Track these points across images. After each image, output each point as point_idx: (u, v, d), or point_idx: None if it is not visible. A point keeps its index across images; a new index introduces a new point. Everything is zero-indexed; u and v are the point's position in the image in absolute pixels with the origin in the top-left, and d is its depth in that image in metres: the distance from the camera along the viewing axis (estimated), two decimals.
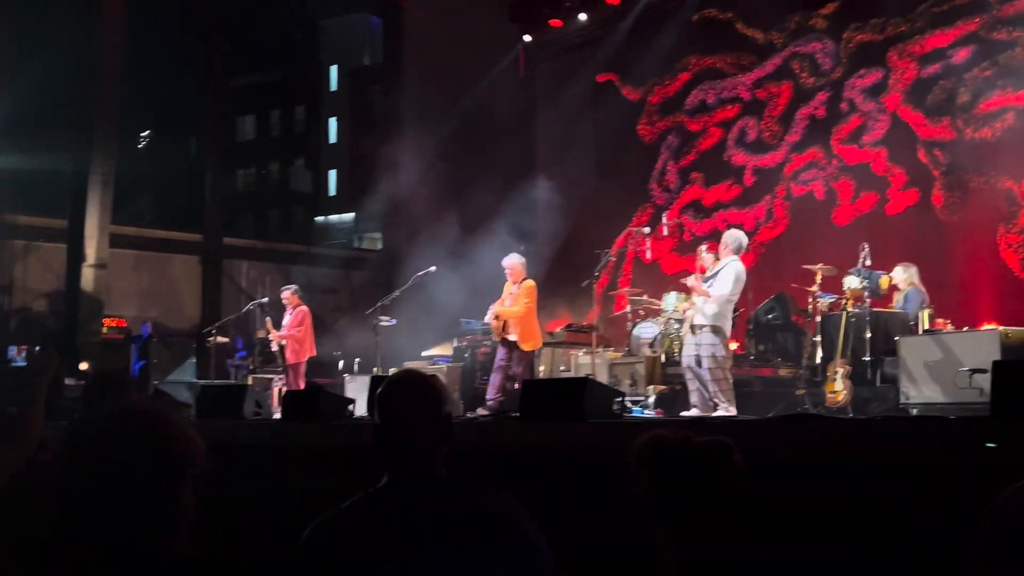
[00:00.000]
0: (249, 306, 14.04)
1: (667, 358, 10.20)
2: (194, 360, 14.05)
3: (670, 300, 10.69)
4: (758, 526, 2.52)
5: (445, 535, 2.20)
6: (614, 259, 10.76)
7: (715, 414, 7.97)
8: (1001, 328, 8.00)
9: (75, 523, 1.77)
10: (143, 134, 38.01)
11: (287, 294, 11.98)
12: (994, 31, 11.00)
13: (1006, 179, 10.79)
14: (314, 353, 11.90)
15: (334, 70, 43.06)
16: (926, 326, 9.02)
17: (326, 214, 41.66)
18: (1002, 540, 1.59)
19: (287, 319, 11.91)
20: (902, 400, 8.13)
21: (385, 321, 10.85)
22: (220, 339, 13.43)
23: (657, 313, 11.12)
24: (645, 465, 2.38)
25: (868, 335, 8.93)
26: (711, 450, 2.39)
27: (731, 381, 8.23)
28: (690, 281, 8.39)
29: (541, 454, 5.50)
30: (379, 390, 2.41)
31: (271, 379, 13.31)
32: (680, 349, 8.86)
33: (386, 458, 2.34)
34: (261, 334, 14.33)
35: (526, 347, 9.56)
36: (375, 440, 2.36)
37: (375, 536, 2.22)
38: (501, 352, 9.66)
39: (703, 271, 8.87)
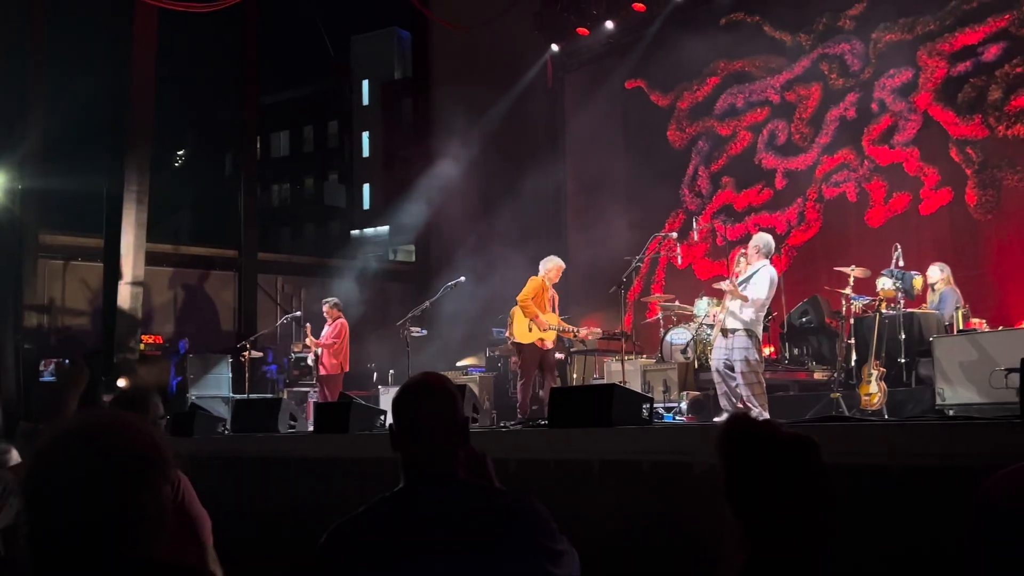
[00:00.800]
0: (283, 320, 14.17)
1: (699, 364, 10.16)
2: (229, 375, 14.18)
3: (702, 306, 10.66)
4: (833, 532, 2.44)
5: (460, 537, 2.22)
6: (646, 265, 10.72)
7: None
8: None
9: (40, 539, 1.81)
10: (179, 152, 38.49)
11: (327, 307, 12.07)
12: None
13: None
14: (348, 368, 11.97)
15: (366, 84, 43.36)
16: (961, 326, 8.91)
17: (361, 228, 41.90)
18: (993, 525, 1.58)
19: (325, 330, 11.99)
20: (938, 401, 8.03)
21: (416, 332, 10.89)
22: (255, 353, 13.56)
23: (689, 319, 11.08)
24: (728, 448, 2.28)
25: (902, 336, 8.85)
26: (796, 442, 2.27)
27: (764, 385, 8.17)
28: (725, 285, 8.33)
29: (570, 461, 5.51)
30: (395, 395, 2.43)
31: (306, 392, 13.42)
32: (711, 354, 8.80)
33: (403, 462, 2.36)
34: (297, 348, 14.45)
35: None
36: (393, 444, 2.39)
37: (391, 539, 2.24)
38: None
39: (736, 275, 8.82)
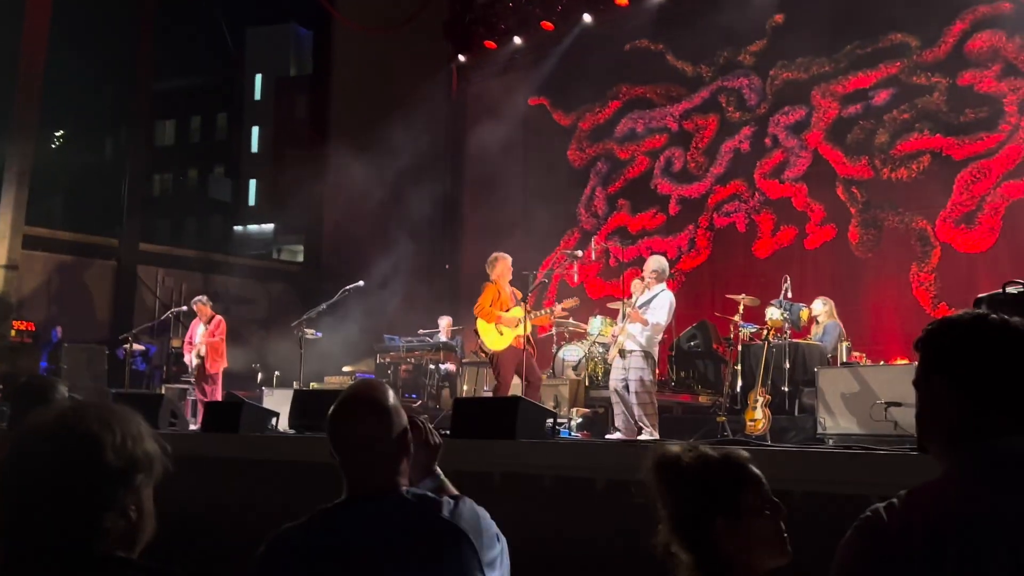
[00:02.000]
0: (168, 314, 13.76)
1: (591, 381, 10.29)
2: (106, 367, 13.68)
3: (595, 324, 10.79)
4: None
5: (399, 552, 2.20)
6: (544, 281, 10.79)
7: (640, 437, 8.06)
8: (916, 363, 8.24)
9: (17, 536, 1.72)
10: (57, 132, 36.98)
11: (199, 304, 11.83)
12: (914, 75, 11.43)
13: (920, 219, 11.19)
14: (226, 364, 11.75)
15: (259, 79, 42.57)
16: (844, 359, 9.27)
17: (245, 224, 41.05)
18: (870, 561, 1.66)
19: (202, 328, 11.72)
20: (819, 430, 8.31)
21: (311, 334, 10.72)
22: (137, 346, 13.11)
23: (582, 336, 11.21)
24: (665, 483, 2.27)
25: (787, 365, 9.15)
26: (730, 461, 2.29)
27: (656, 406, 8.34)
28: (628, 310, 8.46)
29: (472, 472, 5.49)
30: (332, 408, 2.35)
31: (185, 389, 13.03)
32: (604, 373, 8.93)
33: (344, 476, 2.31)
34: (176, 343, 14.04)
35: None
36: (333, 458, 2.32)
37: (329, 555, 2.21)
38: None
39: (630, 296, 8.99)
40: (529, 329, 8.97)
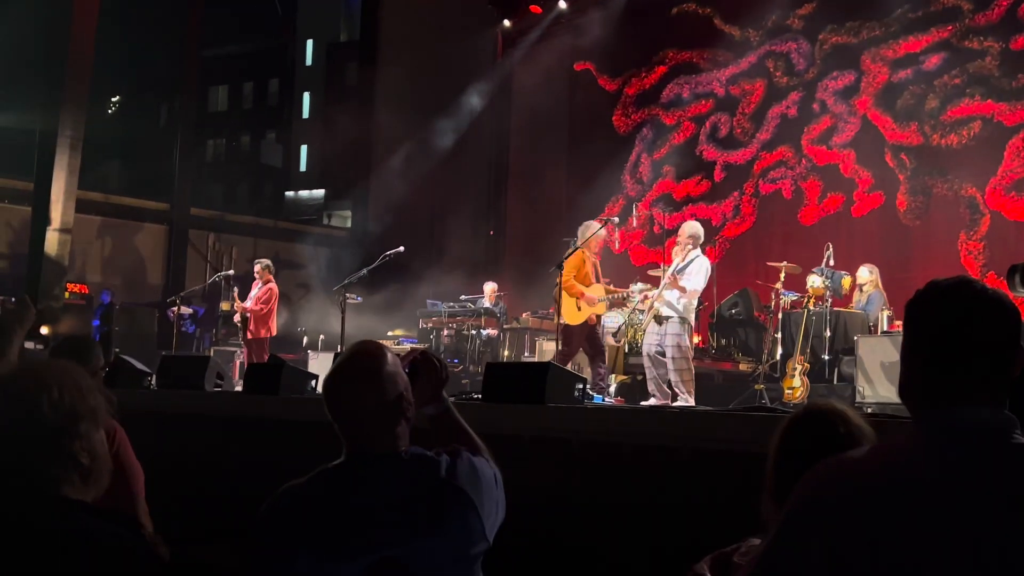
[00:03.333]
0: (215, 278, 14.00)
1: (630, 348, 10.29)
2: (155, 329, 13.98)
3: (636, 291, 10.77)
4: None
5: (398, 512, 2.23)
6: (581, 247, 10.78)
7: (675, 404, 8.08)
8: None
9: None
10: (113, 99, 37.55)
11: (259, 268, 11.91)
12: (965, 40, 11.16)
13: (970, 186, 10.97)
14: (274, 333, 11.83)
15: (310, 44, 42.75)
16: (885, 327, 9.18)
17: (296, 189, 41.41)
18: (807, 511, 1.68)
19: (254, 292, 11.85)
20: (857, 399, 8.27)
21: (352, 299, 10.85)
22: (185, 309, 13.37)
23: (623, 303, 11.20)
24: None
25: (828, 333, 9.09)
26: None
27: (693, 372, 8.34)
28: (667, 278, 8.43)
29: (501, 436, 5.56)
30: (325, 379, 2.38)
31: (234, 351, 13.29)
32: (643, 339, 8.92)
33: (343, 436, 2.35)
34: (226, 306, 14.29)
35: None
36: (331, 420, 2.36)
37: (330, 516, 2.24)
38: None
39: (670, 263, 8.96)
40: (604, 309, 8.93)
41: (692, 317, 8.43)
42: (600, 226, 9.08)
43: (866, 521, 1.60)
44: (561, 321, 8.82)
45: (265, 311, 11.56)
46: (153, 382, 8.93)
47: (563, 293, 8.81)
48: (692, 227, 8.68)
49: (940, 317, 1.73)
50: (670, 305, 8.29)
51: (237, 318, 11.81)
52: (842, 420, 2.36)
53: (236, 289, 11.93)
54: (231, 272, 13.88)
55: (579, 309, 8.86)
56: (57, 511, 1.86)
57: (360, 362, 2.37)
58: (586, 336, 8.93)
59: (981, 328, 1.70)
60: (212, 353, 13.00)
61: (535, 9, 15.52)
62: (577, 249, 8.93)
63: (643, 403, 8.51)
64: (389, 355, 2.41)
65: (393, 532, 2.22)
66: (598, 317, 8.98)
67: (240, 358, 12.73)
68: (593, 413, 5.63)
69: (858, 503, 1.62)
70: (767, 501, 2.36)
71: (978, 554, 1.55)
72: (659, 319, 8.30)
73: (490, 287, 12.70)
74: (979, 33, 11.06)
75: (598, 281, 9.05)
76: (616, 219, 10.66)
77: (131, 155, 33.92)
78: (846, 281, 9.76)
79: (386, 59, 18.86)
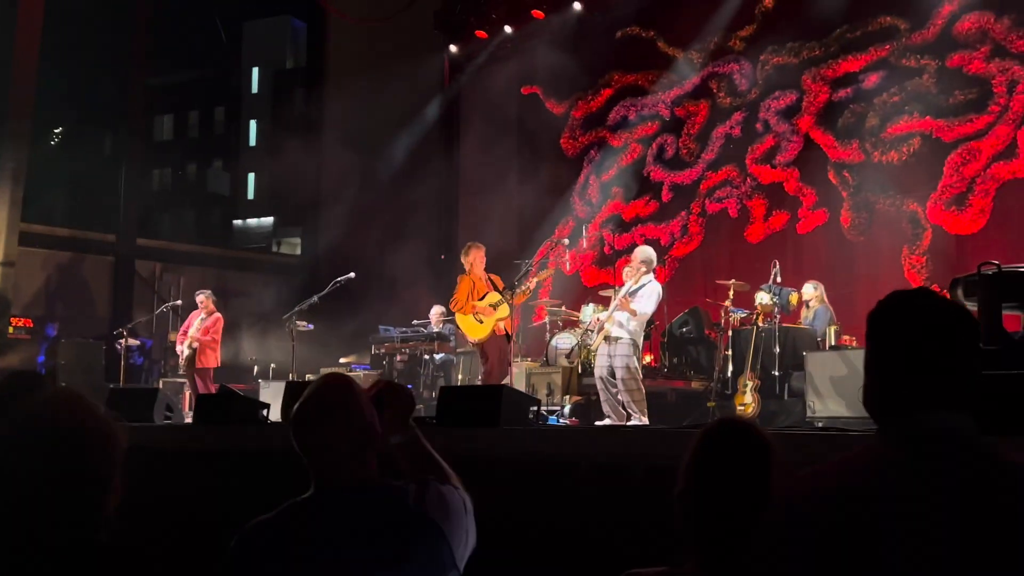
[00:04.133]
0: (163, 308, 13.84)
1: (583, 369, 10.33)
2: (103, 362, 13.75)
3: (588, 312, 10.84)
4: None
5: (367, 544, 2.24)
6: (535, 270, 10.84)
7: (629, 423, 8.12)
8: None
9: (15, 531, 1.75)
10: (56, 130, 37.02)
11: (202, 298, 11.86)
12: (903, 58, 11.43)
13: (911, 202, 11.20)
14: (219, 363, 11.75)
15: (255, 72, 42.56)
16: (832, 342, 9.32)
17: (244, 218, 41.09)
18: (783, 523, 1.71)
19: (198, 321, 11.77)
20: (808, 414, 8.38)
21: (303, 326, 10.78)
22: (132, 341, 13.18)
23: (575, 324, 11.26)
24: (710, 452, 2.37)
25: (777, 350, 9.21)
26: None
27: (644, 392, 8.40)
28: (618, 300, 8.52)
29: (456, 459, 5.54)
30: (299, 403, 2.38)
31: (183, 383, 13.11)
32: (595, 361, 8.98)
33: (311, 468, 2.35)
34: (174, 337, 14.10)
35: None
36: (299, 451, 2.36)
37: (300, 549, 2.25)
38: None
39: (622, 284, 9.04)
40: (507, 313, 9.16)
41: (640, 339, 8.52)
42: (475, 245, 9.75)
43: (842, 530, 1.62)
44: (473, 340, 9.38)
45: (214, 340, 11.52)
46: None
47: (458, 317, 9.46)
48: (645, 252, 8.78)
49: (906, 326, 1.77)
50: (620, 326, 8.36)
51: (183, 349, 11.68)
52: (754, 431, 2.44)
53: (183, 323, 11.81)
54: (179, 302, 13.72)
55: (480, 322, 9.29)
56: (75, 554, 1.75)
57: (328, 394, 2.39)
58: (499, 347, 9.26)
59: (945, 336, 1.75)
60: (161, 385, 12.83)
61: (481, 34, 15.61)
62: (463, 275, 9.53)
63: (597, 423, 8.55)
64: (356, 386, 2.43)
65: (363, 565, 2.22)
66: (499, 326, 9.30)
67: (190, 389, 12.57)
68: (547, 434, 5.64)
69: (832, 514, 1.64)
70: (680, 512, 2.41)
71: (949, 557, 1.59)
72: (609, 339, 8.37)
73: (436, 311, 12.68)
74: (916, 52, 11.33)
75: (497, 290, 9.46)
76: (566, 241, 10.72)
77: (76, 186, 33.43)
78: (793, 297, 9.91)
79: (334, 85, 18.82)
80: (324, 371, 12.40)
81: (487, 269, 9.85)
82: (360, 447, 2.34)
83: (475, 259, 9.56)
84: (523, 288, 9.40)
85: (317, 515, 2.28)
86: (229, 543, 2.37)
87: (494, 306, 9.28)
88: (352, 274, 10.49)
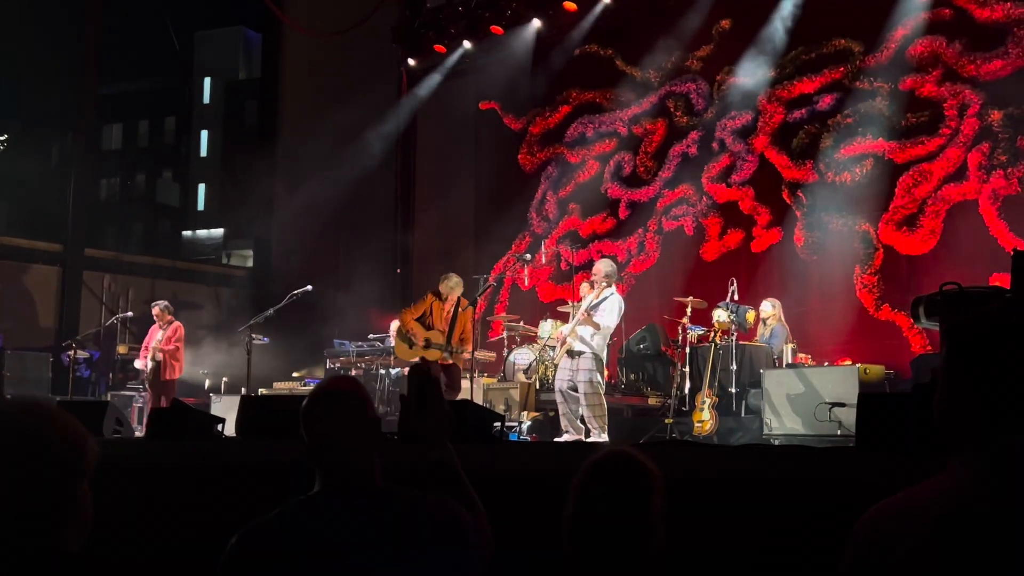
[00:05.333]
0: (112, 320, 13.59)
1: (541, 384, 10.32)
2: (49, 375, 13.45)
3: (546, 327, 10.84)
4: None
5: (377, 542, 2.23)
6: (493, 285, 10.83)
7: (588, 439, 8.10)
8: (859, 364, 8.42)
9: None
10: (1, 136, 36.32)
11: (157, 310, 11.70)
12: (857, 80, 11.61)
13: (864, 222, 11.36)
14: (182, 373, 11.66)
15: (208, 82, 42.14)
16: (789, 360, 9.40)
17: (193, 229, 40.59)
18: (871, 560, 1.66)
19: (160, 335, 11.59)
20: (765, 431, 8.44)
21: (258, 340, 10.63)
22: (81, 353, 12.92)
23: (533, 340, 11.25)
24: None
25: (734, 367, 9.27)
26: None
27: (605, 407, 8.39)
28: (579, 313, 8.53)
29: (416, 476, 5.48)
30: (304, 404, 2.40)
31: (131, 396, 12.87)
32: (555, 376, 8.97)
33: (318, 469, 2.36)
34: (122, 349, 13.85)
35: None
36: (305, 451, 2.37)
37: (304, 546, 2.23)
38: None
39: (579, 299, 9.06)
40: (435, 357, 9.21)
41: (604, 353, 8.52)
42: (459, 280, 9.65)
43: (929, 559, 1.57)
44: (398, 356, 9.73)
45: (178, 349, 11.43)
46: None
47: (397, 327, 9.53)
48: (607, 265, 8.80)
49: (1003, 345, 1.66)
50: (583, 341, 8.36)
51: (144, 364, 11.49)
52: (640, 461, 2.62)
53: (140, 338, 11.62)
54: (129, 314, 13.48)
55: (410, 347, 9.37)
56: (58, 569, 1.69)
57: (340, 387, 2.44)
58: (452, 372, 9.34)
59: None
60: (109, 398, 12.57)
61: (439, 48, 15.59)
62: (433, 295, 9.50)
63: (556, 439, 8.52)
64: (363, 388, 2.49)
65: (366, 565, 2.22)
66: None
67: (139, 403, 12.35)
68: (510, 450, 5.60)
69: (921, 542, 1.59)
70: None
71: None
72: (572, 353, 8.36)
73: (395, 325, 12.58)
74: (870, 74, 11.51)
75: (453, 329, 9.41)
76: (528, 256, 10.72)
77: (22, 194, 32.78)
78: (750, 315, 9.98)
79: (288, 97, 18.69)
80: (278, 385, 12.27)
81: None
82: (366, 446, 2.37)
83: (455, 293, 9.48)
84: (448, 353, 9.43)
85: (323, 513, 2.29)
86: (185, 557, 2.33)
87: (431, 345, 9.22)
88: (309, 287, 10.38)
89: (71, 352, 12.21)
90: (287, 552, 2.23)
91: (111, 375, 14.20)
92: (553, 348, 9.41)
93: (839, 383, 7.93)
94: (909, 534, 1.60)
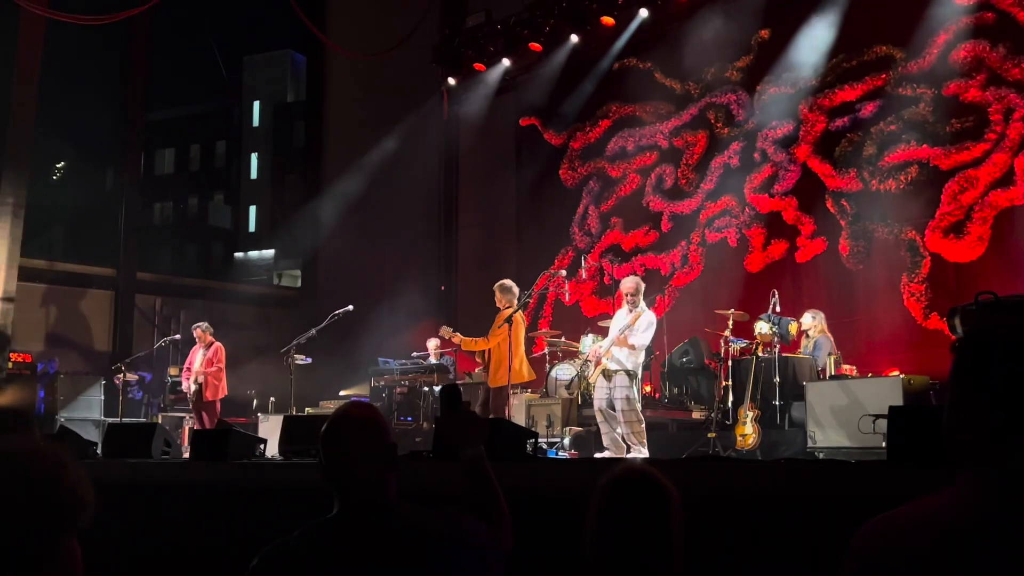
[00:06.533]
0: (162, 342, 13.82)
1: (583, 400, 10.29)
2: (101, 397, 13.72)
3: (587, 343, 10.81)
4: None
5: (396, 561, 2.30)
6: (535, 301, 10.86)
7: (628, 456, 8.06)
8: (904, 375, 8.28)
9: None
10: (58, 165, 37.19)
11: (199, 331, 11.90)
12: (899, 87, 11.46)
13: (910, 230, 11.19)
14: (226, 393, 11.82)
15: (256, 106, 42.78)
16: (832, 372, 9.28)
17: (245, 250, 41.15)
18: (867, 570, 1.63)
19: (200, 355, 11.78)
20: (809, 444, 8.32)
21: (301, 360, 10.75)
22: (131, 376, 13.15)
23: (575, 355, 11.23)
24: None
25: (777, 379, 9.16)
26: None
27: (644, 424, 8.35)
28: (615, 337, 8.52)
29: (451, 495, 5.49)
30: (324, 427, 2.47)
31: (182, 417, 13.07)
32: (593, 394, 8.95)
33: (336, 490, 2.43)
34: (174, 371, 14.07)
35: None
36: (323, 473, 2.45)
37: (324, 566, 2.30)
38: None
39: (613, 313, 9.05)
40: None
41: (640, 370, 8.50)
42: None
43: (928, 574, 1.55)
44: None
45: (219, 370, 11.61)
46: (98, 451, 8.74)
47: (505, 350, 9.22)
48: (634, 282, 8.77)
49: (1010, 360, 1.62)
50: (618, 361, 8.35)
51: (189, 386, 11.68)
52: (656, 478, 2.62)
53: (184, 358, 11.83)
54: (179, 336, 13.70)
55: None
56: None
57: (358, 412, 2.53)
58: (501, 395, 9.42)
59: None
60: (160, 419, 12.79)
61: (479, 67, 15.69)
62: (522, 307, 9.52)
63: (597, 455, 8.50)
64: (380, 412, 2.58)
65: None
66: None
67: (189, 423, 12.53)
68: (546, 467, 5.60)
69: (921, 557, 1.56)
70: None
71: None
72: (607, 374, 8.36)
73: (433, 343, 12.65)
74: (912, 80, 11.35)
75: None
76: (563, 272, 10.73)
77: (76, 221, 33.51)
78: (793, 327, 9.87)
79: (333, 118, 18.95)
80: (324, 404, 12.38)
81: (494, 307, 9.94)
82: (384, 468, 2.43)
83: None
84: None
85: (342, 534, 2.35)
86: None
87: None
88: (351, 307, 10.47)
89: (122, 375, 12.43)
90: (305, 572, 2.30)
91: (163, 397, 14.43)
92: (589, 363, 9.40)
93: (883, 394, 7.79)
94: (908, 549, 1.58)
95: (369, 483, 2.40)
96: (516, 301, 9.55)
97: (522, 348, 9.48)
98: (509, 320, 8.98)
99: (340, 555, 2.30)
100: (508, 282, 9.80)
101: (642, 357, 8.62)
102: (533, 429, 7.90)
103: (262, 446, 7.45)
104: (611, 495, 2.69)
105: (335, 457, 2.43)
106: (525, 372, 9.49)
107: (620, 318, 8.67)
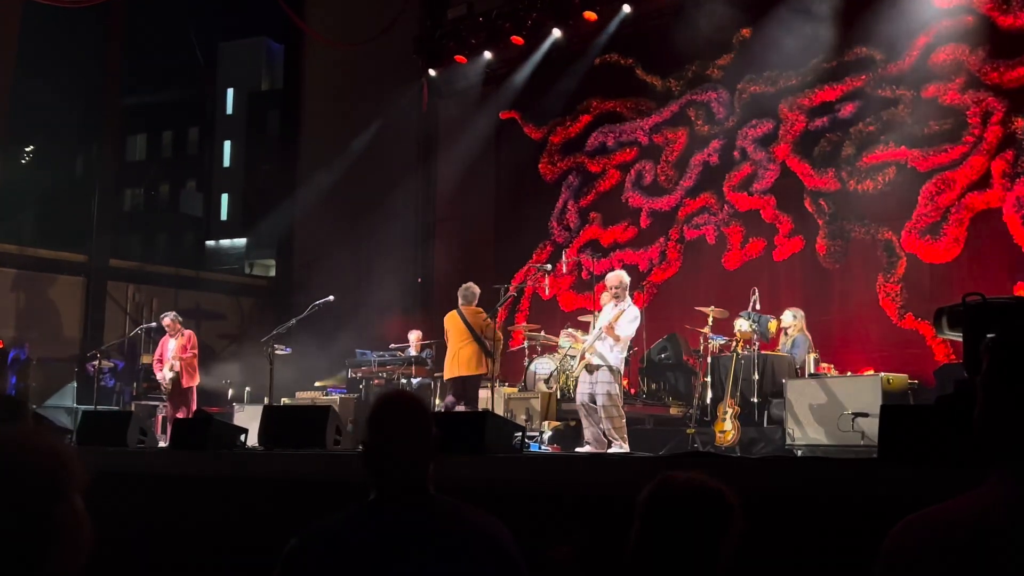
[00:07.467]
0: (136, 330, 13.69)
1: (562, 394, 10.32)
2: (74, 385, 13.56)
3: (564, 344, 10.83)
4: None
5: (434, 548, 2.33)
6: (513, 295, 10.85)
7: (609, 451, 8.09)
8: (883, 374, 8.36)
9: None
10: (27, 148, 36.67)
11: (168, 321, 11.81)
12: (879, 88, 11.55)
13: (886, 230, 11.29)
14: (199, 380, 11.76)
15: (231, 93, 42.42)
16: (811, 370, 9.35)
17: (217, 239, 40.84)
18: (900, 569, 1.65)
19: (172, 344, 11.70)
20: (787, 441, 8.39)
21: (280, 350, 10.69)
22: (106, 363, 13.02)
23: (554, 349, 11.25)
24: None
25: (756, 377, 9.23)
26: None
27: (624, 419, 8.38)
28: (599, 327, 8.54)
29: (440, 488, 5.48)
30: (371, 410, 2.51)
31: (155, 406, 12.95)
32: (575, 386, 8.98)
33: (378, 474, 2.44)
34: (147, 359, 13.94)
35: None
36: (365, 457, 2.47)
37: (361, 551, 2.33)
38: None
39: (600, 308, 9.06)
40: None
41: (622, 365, 8.52)
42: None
43: (964, 573, 1.56)
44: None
45: (194, 357, 11.56)
46: (73, 439, 8.65)
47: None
48: (618, 276, 8.80)
49: None
50: (601, 356, 8.37)
51: (164, 375, 11.58)
52: (723, 494, 2.42)
53: (154, 352, 11.77)
54: (152, 324, 13.56)
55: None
56: None
57: (405, 399, 2.58)
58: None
59: None
60: (134, 408, 12.67)
61: (460, 59, 15.64)
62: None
63: (578, 449, 8.52)
64: (423, 399, 2.66)
65: (423, 565, 2.32)
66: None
67: (163, 412, 12.42)
68: (530, 462, 5.60)
69: (957, 556, 1.57)
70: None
71: None
72: (590, 368, 8.37)
73: (415, 335, 12.63)
74: (891, 82, 11.45)
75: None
76: (549, 267, 10.75)
77: (46, 205, 33.08)
78: (772, 325, 9.94)
79: (310, 107, 18.79)
80: (300, 395, 12.31)
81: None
82: (427, 455, 2.47)
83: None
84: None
85: (379, 521, 2.37)
86: (209, 568, 2.36)
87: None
88: (331, 297, 10.43)
89: (96, 362, 12.30)
90: (342, 556, 2.32)
91: (135, 385, 14.30)
92: (573, 358, 9.43)
93: (862, 393, 7.89)
94: (944, 548, 1.59)
95: (411, 469, 2.43)
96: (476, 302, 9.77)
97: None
98: (494, 312, 9.00)
99: (380, 539, 2.32)
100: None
101: (625, 352, 8.64)
102: (520, 423, 7.89)
103: (243, 436, 7.39)
104: (669, 503, 2.43)
105: (382, 439, 2.45)
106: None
107: (605, 313, 8.69)
